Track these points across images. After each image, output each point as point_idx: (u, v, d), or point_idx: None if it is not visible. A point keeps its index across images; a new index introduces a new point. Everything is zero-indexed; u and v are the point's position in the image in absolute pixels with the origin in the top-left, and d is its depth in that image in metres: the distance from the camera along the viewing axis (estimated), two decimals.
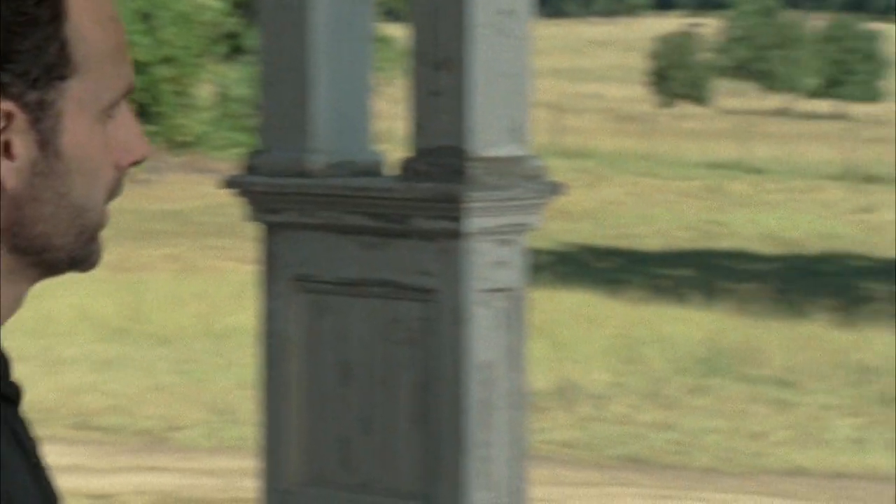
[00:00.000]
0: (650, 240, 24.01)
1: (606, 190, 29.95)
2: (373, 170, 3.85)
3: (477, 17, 3.52)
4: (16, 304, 1.20)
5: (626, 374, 11.95)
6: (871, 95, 74.36)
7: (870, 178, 33.56)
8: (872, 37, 76.25)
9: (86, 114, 1.17)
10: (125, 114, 1.20)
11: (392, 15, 31.01)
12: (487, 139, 3.53)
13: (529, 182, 3.54)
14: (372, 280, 3.64)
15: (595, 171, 32.69)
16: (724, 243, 23.26)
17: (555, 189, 3.59)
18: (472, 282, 3.49)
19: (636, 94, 75.19)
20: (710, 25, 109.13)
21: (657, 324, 14.00)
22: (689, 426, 10.11)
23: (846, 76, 74.03)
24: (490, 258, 3.52)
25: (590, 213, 26.03)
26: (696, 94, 68.25)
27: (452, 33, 3.54)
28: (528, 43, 3.59)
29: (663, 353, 12.52)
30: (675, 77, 68.00)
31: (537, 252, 20.68)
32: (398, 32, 44.24)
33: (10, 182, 1.18)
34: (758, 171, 34.94)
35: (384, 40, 26.08)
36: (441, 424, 3.55)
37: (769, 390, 11.37)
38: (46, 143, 1.17)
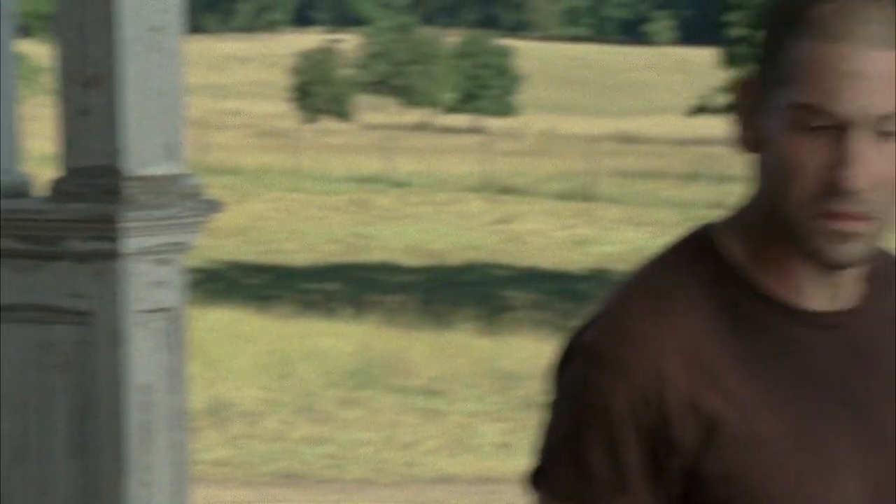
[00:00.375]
0: (299, 255, 24.09)
1: (253, 206, 29.89)
2: (21, 191, 3.75)
3: (126, 34, 3.47)
4: None
5: (279, 389, 11.94)
6: (506, 109, 76.64)
7: (507, 190, 34.59)
8: (505, 52, 78.61)
9: None
10: None
11: (24, 31, 30.08)
12: (142, 158, 3.48)
13: (187, 200, 3.51)
14: (24, 305, 3.53)
15: (241, 187, 32.59)
16: (371, 256, 23.55)
17: (213, 207, 3.57)
18: (130, 303, 3.43)
19: (279, 111, 75.34)
20: (349, 41, 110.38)
21: (308, 338, 14.05)
22: (342, 439, 10.18)
23: (481, 91, 76.07)
24: (148, 278, 3.47)
25: (237, 229, 25.91)
26: (338, 109, 68.87)
27: (101, 50, 3.47)
28: (180, 59, 3.56)
29: (315, 367, 12.58)
30: (316, 93, 68.44)
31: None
32: (32, 49, 42.98)
33: None
34: (401, 184, 35.54)
35: (19, 57, 25.23)
36: (100, 450, 3.47)
37: (418, 400, 11.56)
38: None
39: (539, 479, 1.66)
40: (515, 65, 78.67)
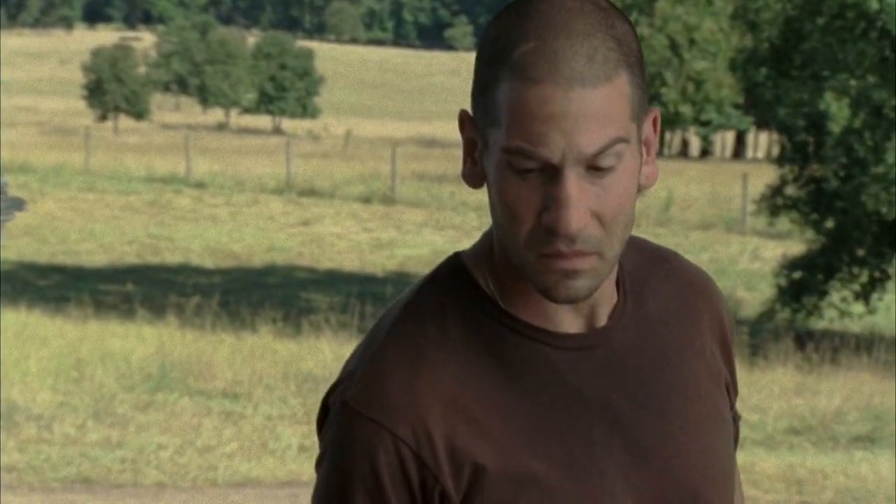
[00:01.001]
0: (94, 256, 23.57)
1: (46, 205, 29.16)
2: None
3: None
4: None
5: (73, 393, 11.62)
6: (306, 112, 76.44)
7: (308, 192, 34.41)
8: (305, 54, 78.40)
9: None
10: None
11: None
12: None
13: None
14: None
15: (33, 186, 31.80)
16: (170, 258, 23.16)
17: (16, 205, 3.36)
18: None
19: (72, 108, 73.91)
20: (145, 39, 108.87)
21: (104, 341, 13.72)
22: (139, 443, 9.93)
23: (281, 92, 75.75)
24: None
25: (28, 229, 25.24)
26: (134, 108, 67.81)
27: None
28: None
29: (110, 370, 12.27)
30: (111, 91, 67.28)
31: None
32: None
33: None
34: (199, 185, 35.09)
35: None
36: None
37: (218, 403, 11.37)
38: None
39: None
40: (316, 67, 78.49)
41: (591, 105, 1.48)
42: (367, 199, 33.61)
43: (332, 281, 21.61)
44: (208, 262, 22.86)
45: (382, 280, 22.24)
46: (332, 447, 1.58)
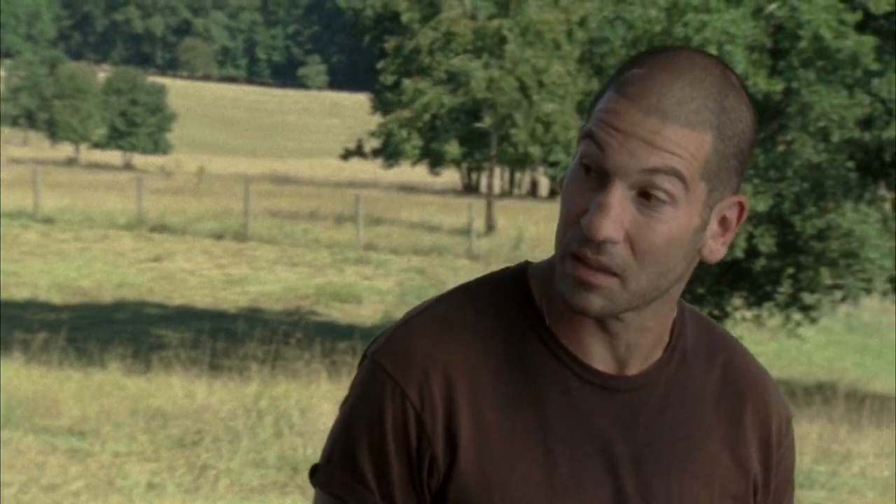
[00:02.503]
0: None
1: None
2: None
3: None
4: None
5: None
6: (157, 147, 75.74)
7: (159, 228, 34.15)
8: (157, 90, 77.74)
9: None
10: None
11: None
12: None
13: None
14: None
15: None
16: (17, 293, 22.85)
17: None
18: None
19: None
20: None
21: None
22: None
23: (132, 128, 74.97)
24: None
25: None
26: None
27: None
28: None
29: None
30: None
31: None
32: None
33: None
34: (48, 220, 34.63)
35: None
36: None
37: (64, 441, 11.27)
38: None
39: (317, 474, 1.73)
40: (168, 103, 77.87)
41: (660, 136, 1.61)
42: (219, 236, 33.46)
43: (184, 317, 21.51)
44: (56, 298, 22.61)
45: (234, 316, 22.17)
46: (352, 393, 1.72)
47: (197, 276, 26.70)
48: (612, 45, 18.62)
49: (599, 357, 1.71)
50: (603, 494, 1.69)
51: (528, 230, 34.30)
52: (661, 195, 1.62)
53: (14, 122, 77.48)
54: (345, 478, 1.70)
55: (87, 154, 77.44)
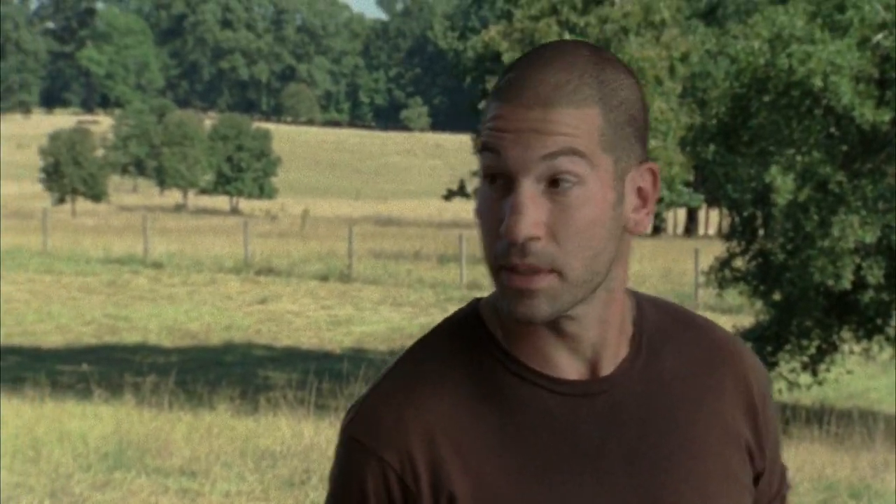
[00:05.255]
0: (51, 336, 23.52)
1: (4, 288, 29.12)
2: None
3: None
4: None
5: (29, 473, 11.62)
6: (263, 192, 76.50)
7: (265, 271, 34.45)
8: (262, 135, 78.59)
9: None
10: None
11: None
12: None
13: None
14: None
15: None
16: (128, 337, 23.15)
17: None
18: None
19: (30, 191, 73.78)
20: (102, 123, 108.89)
21: (61, 420, 13.71)
22: None
23: (238, 173, 75.81)
24: None
25: None
26: (92, 190, 67.74)
27: None
28: None
29: (67, 449, 12.27)
30: (69, 173, 67.22)
31: None
32: None
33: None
34: (157, 265, 35.08)
35: None
36: None
37: (175, 481, 11.38)
38: None
39: None
40: (272, 148, 78.68)
41: (548, 122, 1.62)
42: (324, 277, 33.68)
43: (290, 358, 21.66)
44: (166, 342, 22.88)
45: (340, 357, 22.28)
46: (333, 470, 1.73)
47: (302, 318, 26.89)
48: (714, 79, 18.53)
49: (569, 367, 1.70)
50: (610, 499, 1.67)
51: (631, 267, 34.10)
52: (569, 177, 1.62)
53: (124, 170, 78.70)
54: None
55: (195, 200, 78.41)
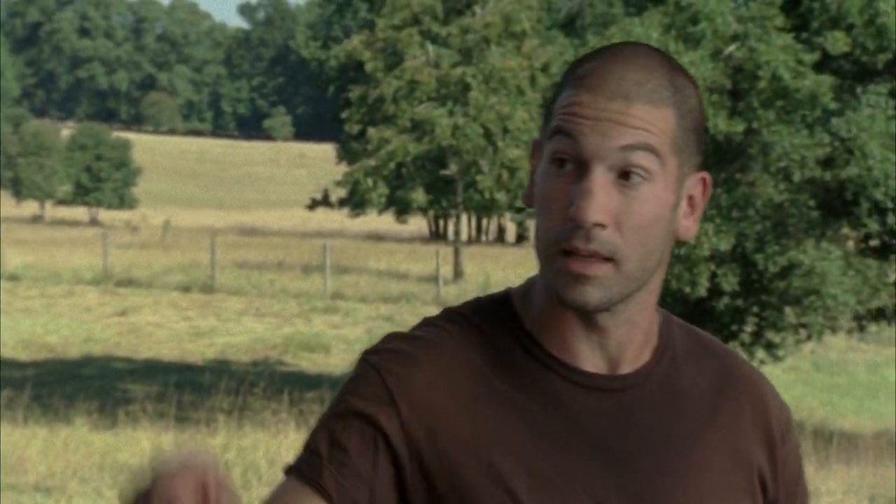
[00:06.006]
0: None
1: None
2: None
3: None
4: None
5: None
6: (124, 202, 75.62)
7: (125, 283, 34.06)
8: (122, 145, 77.69)
9: None
10: None
11: None
12: None
13: None
14: None
15: None
16: None
17: None
18: None
19: None
20: None
21: None
22: None
23: (98, 183, 74.85)
24: None
25: None
26: None
27: None
28: None
29: None
30: None
31: None
32: None
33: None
34: (13, 277, 34.48)
35: None
36: None
37: (30, 498, 11.21)
38: None
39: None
40: (133, 157, 77.81)
41: (628, 115, 1.66)
42: (186, 288, 33.39)
43: (150, 371, 21.44)
44: (22, 355, 22.51)
45: (202, 368, 22.09)
46: (340, 389, 1.75)
47: (164, 329, 26.63)
48: None
49: (589, 360, 1.73)
50: (599, 490, 1.69)
51: (496, 276, 34.36)
52: (640, 172, 1.66)
53: None
54: (305, 455, 1.72)
55: (53, 211, 77.29)
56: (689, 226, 1.73)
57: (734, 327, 17.16)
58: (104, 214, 76.03)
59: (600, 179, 1.64)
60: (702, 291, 15.86)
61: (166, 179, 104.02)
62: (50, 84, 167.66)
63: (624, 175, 1.65)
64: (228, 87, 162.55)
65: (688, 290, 15.73)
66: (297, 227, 62.24)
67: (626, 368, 1.73)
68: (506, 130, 37.76)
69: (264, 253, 43.29)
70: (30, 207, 78.19)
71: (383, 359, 1.73)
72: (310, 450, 1.71)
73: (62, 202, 76.00)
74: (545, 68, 35.33)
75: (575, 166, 1.66)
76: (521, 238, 62.37)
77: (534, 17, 37.95)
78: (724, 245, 15.86)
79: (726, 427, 1.77)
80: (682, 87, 1.71)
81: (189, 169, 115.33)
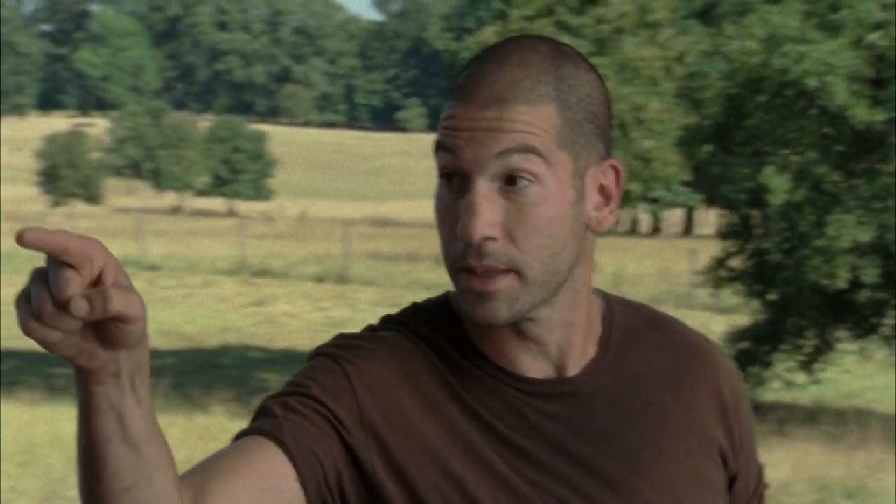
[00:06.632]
0: None
1: (3, 291, 29.10)
2: None
3: None
4: None
5: (23, 477, 11.61)
6: (260, 193, 76.49)
7: (261, 273, 34.43)
8: (258, 137, 78.58)
9: None
10: None
11: None
12: None
13: None
14: None
15: None
16: None
17: None
18: None
19: (26, 194, 73.74)
20: (98, 125, 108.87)
21: (55, 424, 13.70)
22: None
23: (235, 175, 75.79)
24: None
25: None
26: (88, 192, 67.76)
27: None
28: None
29: (61, 453, 12.26)
30: (65, 176, 67.22)
31: None
32: None
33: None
34: (153, 267, 35.05)
35: None
36: None
37: None
38: None
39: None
40: (269, 149, 78.68)
41: (502, 120, 1.59)
42: (320, 279, 33.67)
43: (286, 360, 21.63)
44: (161, 344, 22.86)
45: None
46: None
47: (298, 320, 26.88)
48: (709, 79, 18.53)
49: (532, 367, 1.67)
50: (567, 494, 1.63)
51: (628, 267, 34.12)
52: (525, 175, 1.59)
53: (119, 173, 78.68)
54: (257, 415, 1.65)
55: (192, 202, 78.41)
56: (601, 217, 1.66)
57: (874, 320, 16.84)
58: (241, 205, 76.98)
59: (483, 191, 1.58)
60: (841, 284, 15.58)
61: (302, 171, 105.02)
62: (189, 77, 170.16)
63: (510, 181, 1.59)
64: (362, 79, 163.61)
65: (827, 282, 15.47)
66: (430, 218, 62.35)
67: (574, 368, 1.68)
68: (639, 121, 37.51)
69: (398, 244, 43.50)
70: (169, 199, 79.45)
71: (341, 350, 1.67)
72: (262, 411, 1.64)
73: (201, 193, 77.11)
74: (680, 58, 34.99)
75: (460, 181, 1.60)
76: (655, 230, 61.93)
77: (669, 6, 37.57)
78: (865, 236, 15.58)
79: (684, 406, 1.71)
80: (567, 77, 1.63)
81: (324, 160, 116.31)
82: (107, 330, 1.38)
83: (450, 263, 1.62)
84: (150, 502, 1.47)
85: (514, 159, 1.58)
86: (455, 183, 1.61)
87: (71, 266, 1.34)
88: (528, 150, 1.59)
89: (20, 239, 1.33)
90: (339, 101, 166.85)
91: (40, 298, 1.35)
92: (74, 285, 1.33)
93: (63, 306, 1.34)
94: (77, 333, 1.38)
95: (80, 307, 1.33)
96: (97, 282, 1.36)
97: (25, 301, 1.37)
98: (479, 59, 1.64)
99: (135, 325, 1.37)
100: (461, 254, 1.60)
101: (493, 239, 1.58)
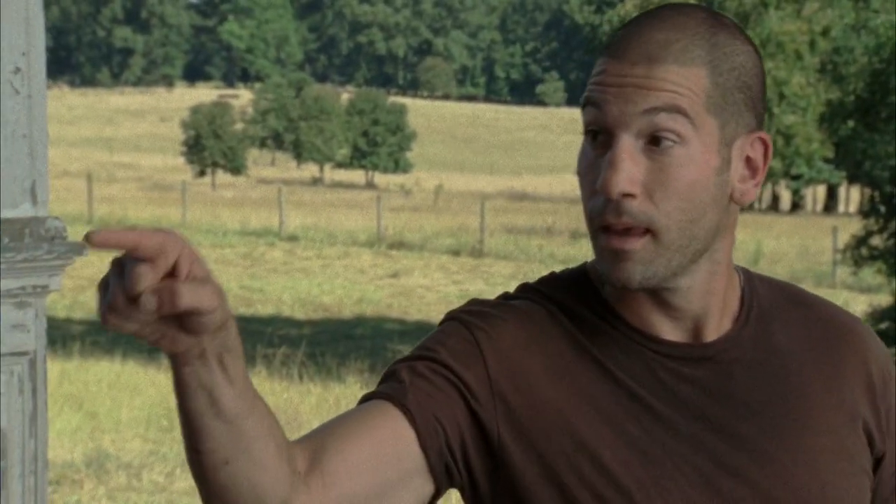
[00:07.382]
0: None
1: None
2: None
3: None
4: None
5: (163, 441, 11.82)
6: (399, 166, 76.85)
7: (398, 245, 34.61)
8: (398, 110, 78.91)
9: None
10: None
11: None
12: (2, 200, 3.44)
13: (47, 243, 3.46)
14: None
15: None
16: (261, 309, 23.44)
17: (74, 249, 3.52)
18: None
19: (171, 164, 74.91)
20: (242, 97, 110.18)
21: None
22: None
23: (374, 147, 76.22)
24: (6, 321, 3.42)
25: None
26: (231, 163, 68.64)
27: None
28: (42, 102, 3.52)
29: None
30: (209, 146, 68.16)
31: (69, 322, 20.20)
32: None
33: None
34: (292, 238, 35.43)
35: None
36: None
37: None
38: None
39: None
40: (408, 122, 78.99)
41: (651, 78, 1.59)
42: (456, 252, 33.74)
43: (420, 332, 21.74)
44: (298, 314, 23.11)
45: None
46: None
47: (433, 293, 26.98)
48: (854, 54, 18.24)
49: (671, 332, 1.66)
50: (703, 460, 1.62)
51: (768, 244, 33.69)
52: (669, 135, 1.58)
53: (262, 144, 79.57)
54: (383, 381, 1.67)
55: (332, 174, 79.03)
56: (745, 189, 1.64)
57: None
58: (380, 178, 77.41)
59: (626, 147, 1.57)
60: None
61: (440, 144, 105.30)
62: (331, 49, 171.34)
63: (654, 140, 1.57)
64: (502, 53, 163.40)
65: None
66: (566, 192, 62.17)
67: (711, 336, 1.66)
68: (782, 96, 37.01)
69: (533, 218, 43.41)
70: (310, 170, 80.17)
71: (472, 317, 1.67)
72: (390, 375, 1.65)
73: (340, 165, 77.68)
74: (825, 32, 34.44)
75: (604, 137, 1.59)
76: (795, 206, 61.07)
77: None
78: None
79: (830, 379, 1.68)
80: (723, 44, 1.61)
81: (462, 134, 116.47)
82: (184, 318, 1.40)
83: (589, 221, 1.62)
84: (248, 473, 1.49)
85: (661, 118, 1.58)
86: (600, 140, 1.61)
87: (146, 259, 1.35)
88: (675, 110, 1.58)
89: (88, 240, 1.34)
90: (479, 75, 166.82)
91: (115, 291, 1.37)
92: (144, 281, 1.35)
93: (135, 300, 1.36)
94: (155, 321, 1.39)
95: (149, 303, 1.36)
96: (172, 273, 1.37)
97: (104, 290, 1.39)
98: (636, 19, 1.63)
99: (209, 317, 1.40)
100: (600, 210, 1.60)
101: (632, 196, 1.58)
